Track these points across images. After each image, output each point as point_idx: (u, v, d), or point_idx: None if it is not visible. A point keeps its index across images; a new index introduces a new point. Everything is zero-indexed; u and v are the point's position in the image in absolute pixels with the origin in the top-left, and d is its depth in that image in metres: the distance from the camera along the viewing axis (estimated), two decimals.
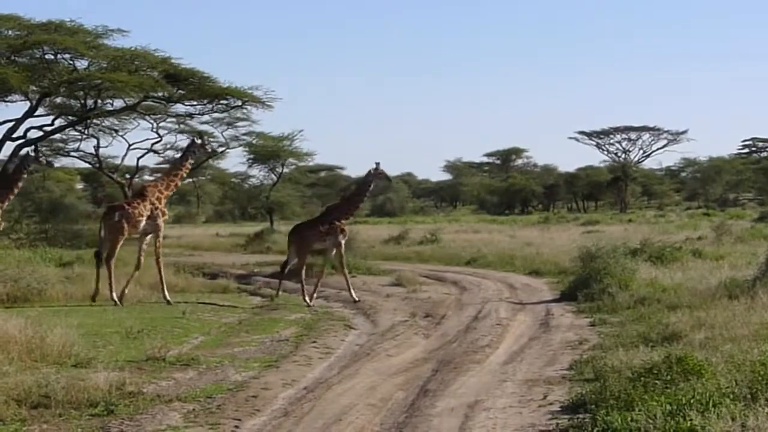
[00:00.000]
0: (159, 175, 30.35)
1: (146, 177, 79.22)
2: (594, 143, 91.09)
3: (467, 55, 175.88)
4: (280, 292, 22.33)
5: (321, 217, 22.72)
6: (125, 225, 20.74)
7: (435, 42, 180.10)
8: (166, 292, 20.80)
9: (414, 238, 39.29)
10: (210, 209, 74.40)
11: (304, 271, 21.79)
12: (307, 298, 21.17)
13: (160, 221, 21.26)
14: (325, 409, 10.60)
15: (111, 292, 20.31)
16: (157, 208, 21.16)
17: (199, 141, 22.51)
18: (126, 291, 20.59)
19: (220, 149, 23.01)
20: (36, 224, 38.82)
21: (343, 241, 21.90)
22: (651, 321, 15.52)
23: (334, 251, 21.96)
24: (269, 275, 29.03)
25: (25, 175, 22.00)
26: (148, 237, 21.39)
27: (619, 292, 18.88)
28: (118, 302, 20.18)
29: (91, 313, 18.42)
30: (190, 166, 22.57)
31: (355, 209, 23.23)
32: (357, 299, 21.31)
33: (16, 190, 21.55)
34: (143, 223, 21.01)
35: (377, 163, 22.38)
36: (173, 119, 43.05)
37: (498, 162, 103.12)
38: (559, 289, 22.10)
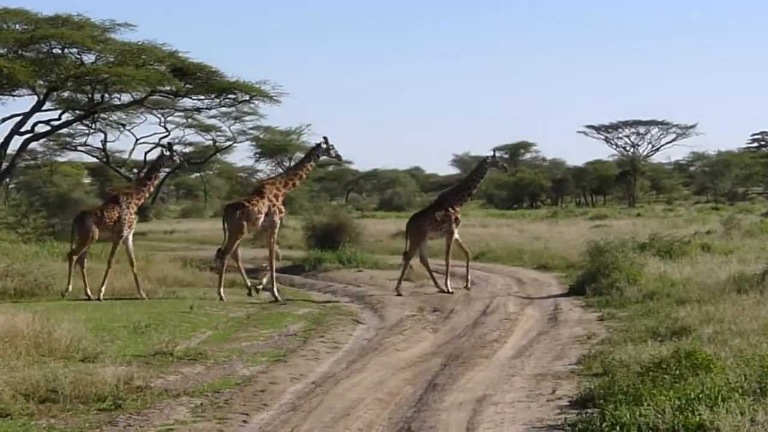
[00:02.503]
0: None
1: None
2: (603, 137, 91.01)
3: (475, 50, 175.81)
4: (402, 283, 21.84)
5: (435, 205, 22.83)
6: (245, 223, 20.88)
7: (442, 36, 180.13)
8: (275, 288, 20.84)
9: None
10: (217, 203, 74.35)
11: (427, 259, 21.88)
12: (441, 285, 21.29)
13: (277, 218, 21.36)
14: (333, 403, 10.59)
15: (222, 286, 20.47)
16: (274, 205, 21.27)
17: (324, 145, 22.37)
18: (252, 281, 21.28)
19: (329, 156, 22.95)
20: (43, 219, 38.83)
21: (456, 229, 22.04)
22: (659, 315, 15.47)
23: (450, 238, 22.02)
24: (277, 270, 29.01)
25: (161, 174, 22.23)
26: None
27: (628, 287, 18.81)
28: (253, 293, 20.75)
29: (99, 308, 18.43)
30: (311, 168, 22.63)
31: (469, 197, 23.42)
32: (453, 290, 21.36)
33: (151, 188, 21.97)
34: (261, 220, 21.11)
35: (494, 151, 22.77)
36: (181, 113, 43.11)
37: (506, 156, 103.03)
38: (567, 284, 22.04)
